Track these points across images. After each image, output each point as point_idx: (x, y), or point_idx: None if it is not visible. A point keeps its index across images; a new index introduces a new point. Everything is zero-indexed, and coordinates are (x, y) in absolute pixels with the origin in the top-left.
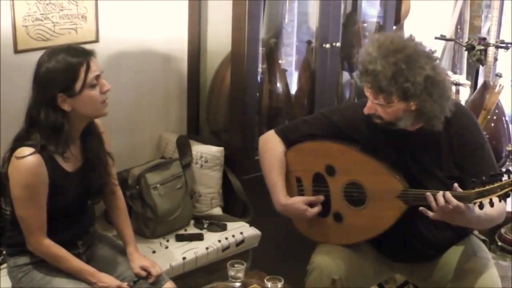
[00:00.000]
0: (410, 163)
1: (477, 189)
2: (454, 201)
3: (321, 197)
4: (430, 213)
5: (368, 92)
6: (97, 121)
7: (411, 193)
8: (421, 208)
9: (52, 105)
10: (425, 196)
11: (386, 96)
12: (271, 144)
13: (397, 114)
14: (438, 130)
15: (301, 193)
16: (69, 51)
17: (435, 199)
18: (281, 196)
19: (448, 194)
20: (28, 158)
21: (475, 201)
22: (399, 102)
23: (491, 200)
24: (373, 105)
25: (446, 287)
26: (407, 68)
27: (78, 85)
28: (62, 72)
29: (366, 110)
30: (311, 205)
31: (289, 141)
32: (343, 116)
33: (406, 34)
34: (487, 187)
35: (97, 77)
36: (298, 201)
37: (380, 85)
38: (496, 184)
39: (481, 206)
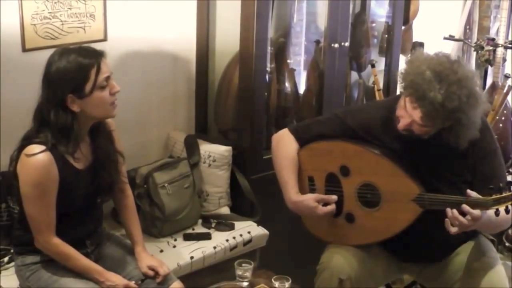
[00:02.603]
0: (424, 167)
1: (494, 196)
2: (474, 213)
3: (334, 197)
4: (452, 229)
5: (415, 114)
6: (108, 119)
7: (427, 197)
8: (446, 219)
9: (62, 105)
10: (441, 201)
11: (436, 123)
12: (284, 142)
13: (430, 132)
14: (461, 148)
15: (313, 192)
16: (81, 52)
17: (453, 218)
18: (292, 193)
19: (467, 207)
20: (38, 156)
21: (492, 207)
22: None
23: (507, 207)
24: (411, 123)
25: (454, 286)
26: (467, 102)
27: (88, 86)
28: (73, 73)
29: (402, 126)
30: (324, 204)
31: (302, 140)
32: (357, 118)
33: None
34: (504, 194)
35: (107, 78)
36: (308, 198)
37: (436, 115)
38: None
39: (497, 213)
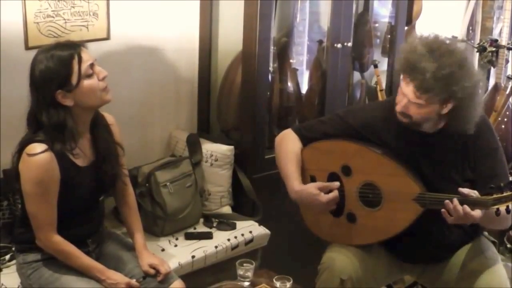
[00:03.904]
0: (426, 166)
1: (495, 195)
2: (473, 215)
3: (337, 183)
4: (449, 218)
5: (409, 90)
6: (106, 114)
7: (428, 197)
8: (443, 210)
9: (52, 104)
10: (442, 200)
11: (430, 97)
12: (287, 140)
13: (429, 115)
14: (469, 133)
15: None
16: (58, 47)
17: (454, 209)
18: (295, 183)
19: (466, 208)
20: (40, 154)
21: (492, 207)
22: (438, 104)
23: (507, 207)
24: (407, 104)
25: (455, 287)
26: (460, 71)
27: (74, 78)
28: (55, 69)
29: (399, 108)
30: (326, 192)
31: (305, 139)
32: (359, 117)
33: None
34: (505, 194)
35: (91, 66)
36: (310, 186)
37: (428, 85)
38: None
39: (498, 213)
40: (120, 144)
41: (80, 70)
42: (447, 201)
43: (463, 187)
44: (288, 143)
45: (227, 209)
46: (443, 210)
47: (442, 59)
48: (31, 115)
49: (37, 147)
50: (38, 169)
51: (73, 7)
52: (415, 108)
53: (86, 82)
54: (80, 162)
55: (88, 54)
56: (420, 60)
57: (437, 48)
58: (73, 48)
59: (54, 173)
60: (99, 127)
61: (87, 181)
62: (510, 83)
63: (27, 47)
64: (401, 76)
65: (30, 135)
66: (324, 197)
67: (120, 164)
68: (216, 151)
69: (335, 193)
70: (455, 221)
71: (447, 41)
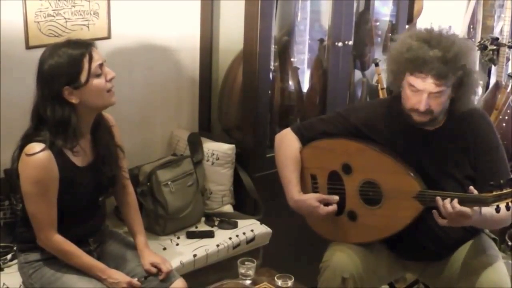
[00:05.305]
0: (428, 164)
1: (494, 193)
2: (457, 207)
3: (336, 197)
4: (440, 221)
5: (428, 83)
6: (108, 115)
7: (428, 194)
8: (434, 211)
9: (58, 99)
10: (441, 197)
11: (446, 82)
12: (287, 141)
13: (445, 104)
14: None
15: (315, 190)
16: (70, 45)
17: (443, 206)
18: (294, 192)
19: (455, 201)
20: (38, 154)
21: (492, 204)
22: (449, 88)
23: (507, 203)
24: (428, 99)
25: (457, 285)
26: (459, 44)
27: (83, 75)
28: (66, 65)
29: (422, 107)
30: (325, 203)
31: (305, 139)
32: (361, 116)
33: None
34: (504, 191)
35: (101, 66)
36: (310, 198)
37: (444, 70)
38: None
39: (497, 210)
40: (120, 147)
41: (90, 69)
42: (438, 197)
43: (464, 185)
44: (287, 146)
45: (228, 208)
46: (434, 211)
47: (443, 43)
48: (35, 109)
49: (36, 147)
50: (36, 169)
51: (73, 6)
52: (434, 100)
53: (95, 81)
54: (79, 162)
55: (99, 54)
56: (425, 52)
57: (431, 38)
58: (85, 47)
59: (53, 173)
60: (100, 128)
61: (86, 181)
62: (511, 81)
63: (28, 47)
64: (409, 78)
65: (31, 131)
66: (324, 210)
67: (119, 166)
68: (218, 150)
69: (334, 207)
70: (449, 223)
71: (435, 29)
